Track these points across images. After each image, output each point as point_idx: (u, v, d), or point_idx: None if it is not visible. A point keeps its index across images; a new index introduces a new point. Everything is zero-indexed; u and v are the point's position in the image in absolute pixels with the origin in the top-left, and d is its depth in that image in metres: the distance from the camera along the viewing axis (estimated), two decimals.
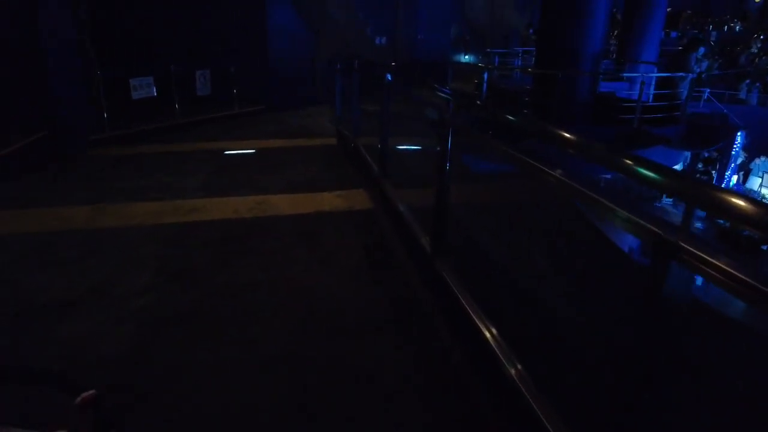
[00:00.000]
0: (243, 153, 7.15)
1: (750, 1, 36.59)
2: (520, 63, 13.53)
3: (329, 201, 4.78)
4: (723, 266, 1.00)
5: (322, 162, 6.58)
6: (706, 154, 11.17)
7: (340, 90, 7.56)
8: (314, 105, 11.49)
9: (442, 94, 2.89)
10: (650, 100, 7.51)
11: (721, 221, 12.97)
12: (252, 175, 5.80)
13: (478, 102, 4.01)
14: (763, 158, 12.00)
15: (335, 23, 11.63)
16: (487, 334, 2.12)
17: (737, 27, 32.39)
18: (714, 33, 28.99)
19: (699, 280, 1.18)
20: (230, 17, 10.23)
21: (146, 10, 10.11)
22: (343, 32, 11.97)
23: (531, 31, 18.47)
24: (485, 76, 8.23)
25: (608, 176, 6.01)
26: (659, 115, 7.26)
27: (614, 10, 17.46)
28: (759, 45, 22.11)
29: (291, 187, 5.26)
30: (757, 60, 19.36)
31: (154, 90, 8.29)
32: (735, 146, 11.13)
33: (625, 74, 9.69)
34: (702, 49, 8.10)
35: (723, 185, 11.23)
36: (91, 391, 1.01)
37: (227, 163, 6.59)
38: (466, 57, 19.05)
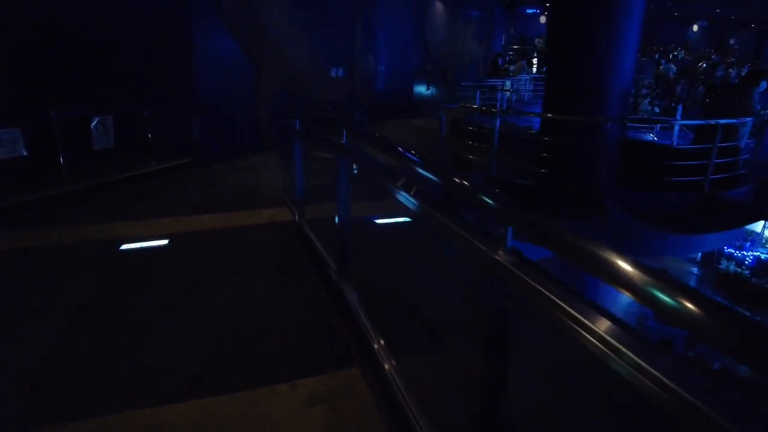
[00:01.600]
0: (147, 248, 4.73)
1: (689, 31, 37.97)
2: (505, 99, 11.83)
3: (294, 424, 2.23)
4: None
5: (273, 267, 4.27)
6: None
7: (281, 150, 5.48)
8: (257, 153, 9.18)
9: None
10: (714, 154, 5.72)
11: (722, 266, 11.74)
12: (151, 315, 3.38)
13: None
14: None
15: (282, 53, 9.50)
16: None
17: (680, 55, 32.89)
18: (663, 61, 29.31)
19: None
20: (144, 46, 7.85)
21: (19, 40, 7.57)
22: (292, 63, 9.84)
23: (500, 61, 17.07)
24: (497, 124, 6.29)
25: None
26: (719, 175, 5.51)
27: None
28: None
29: (214, 363, 2.76)
30: None
31: (22, 147, 5.76)
32: None
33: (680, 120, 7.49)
34: (764, 84, 6.56)
35: None
36: None
37: (112, 280, 4.08)
38: (428, 90, 17.37)
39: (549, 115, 6.24)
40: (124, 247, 4.72)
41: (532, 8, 26.06)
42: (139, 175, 7.15)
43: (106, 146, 6.91)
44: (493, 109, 8.85)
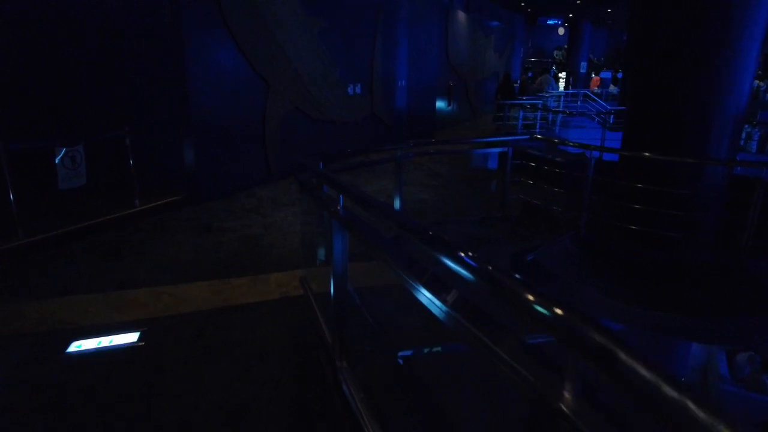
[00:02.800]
0: (103, 352, 3.27)
1: None
2: (550, 120, 10.37)
3: None
4: None
5: (291, 408, 2.78)
6: None
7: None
8: (264, 185, 7.75)
9: None
10: None
11: None
12: None
13: None
14: None
15: (293, 67, 8.12)
16: None
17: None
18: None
19: None
20: (125, 62, 6.47)
21: None
22: (305, 79, 8.47)
23: (530, 74, 15.67)
24: (591, 162, 4.75)
25: None
26: None
27: None
28: None
29: None
30: None
31: None
32: None
33: None
34: None
35: None
36: None
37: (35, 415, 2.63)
38: (449, 106, 15.98)
39: (647, 154, 4.71)
40: (72, 348, 3.26)
41: (553, 19, 24.77)
42: (115, 219, 5.71)
43: (76, 184, 5.48)
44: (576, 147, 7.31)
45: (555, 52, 31.61)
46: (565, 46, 30.71)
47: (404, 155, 5.13)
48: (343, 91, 9.79)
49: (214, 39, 6.65)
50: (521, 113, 9.55)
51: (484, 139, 5.38)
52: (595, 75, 25.18)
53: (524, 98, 13.25)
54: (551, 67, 26.88)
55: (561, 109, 11.71)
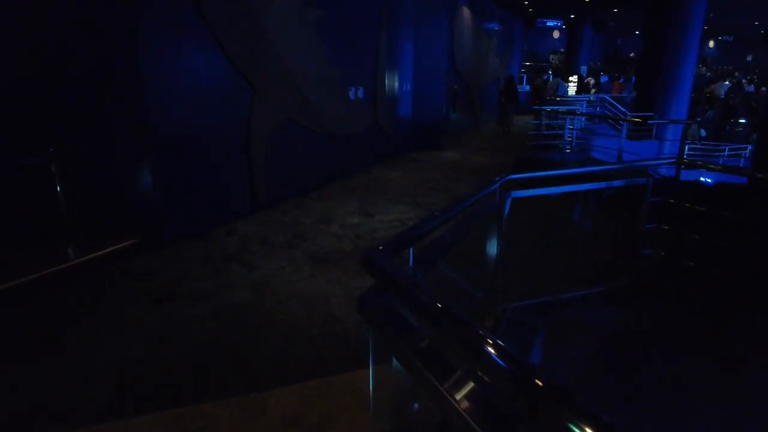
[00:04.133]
0: None
1: (705, 48, 35.92)
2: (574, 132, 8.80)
3: None
4: None
5: None
6: None
7: None
8: (250, 219, 6.01)
9: None
10: None
11: None
12: None
13: None
14: None
15: (286, 67, 6.44)
16: None
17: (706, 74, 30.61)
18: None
19: None
20: (56, 64, 4.69)
21: None
22: (301, 82, 6.79)
23: (545, 77, 14.20)
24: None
25: None
26: None
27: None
28: None
29: None
30: None
31: None
32: None
33: None
34: None
35: None
36: None
37: None
38: (454, 113, 14.43)
39: None
40: None
41: (553, 21, 23.52)
42: (35, 283, 3.94)
43: None
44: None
45: (551, 56, 30.45)
46: (562, 50, 29.57)
47: (506, 193, 3.16)
48: (344, 97, 8.13)
49: (182, 29, 4.93)
50: (567, 122, 7.97)
51: (610, 166, 3.54)
52: (613, 80, 23.95)
53: (557, 99, 11.73)
54: (548, 71, 25.61)
55: (585, 112, 10.16)
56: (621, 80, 21.12)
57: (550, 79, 15.83)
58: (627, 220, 3.90)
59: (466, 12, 14.34)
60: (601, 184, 3.35)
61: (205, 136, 5.38)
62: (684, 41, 14.08)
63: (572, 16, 22.00)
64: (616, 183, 3.43)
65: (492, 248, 2.99)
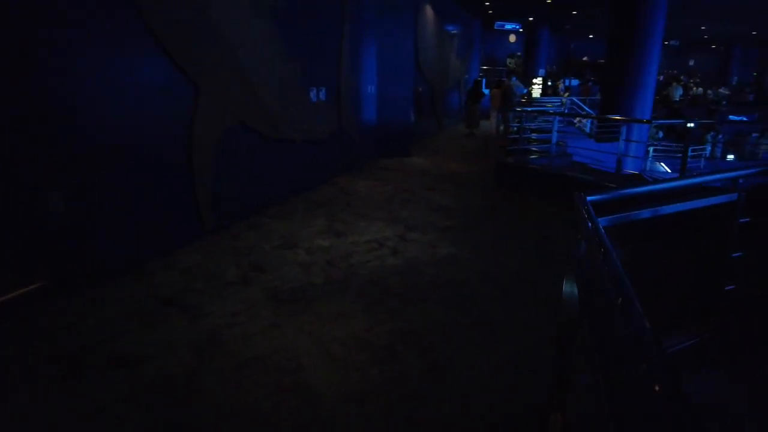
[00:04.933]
0: None
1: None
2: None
3: None
4: None
5: None
6: None
7: None
8: (194, 247, 4.91)
9: None
10: None
11: None
12: None
13: None
14: None
15: (237, 62, 5.40)
16: None
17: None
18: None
19: None
20: None
21: None
22: (254, 80, 5.77)
23: (514, 79, 13.63)
24: None
25: None
26: None
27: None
28: None
29: None
30: None
31: None
32: None
33: None
34: None
35: None
36: None
37: None
38: (417, 118, 13.64)
39: None
40: None
41: (511, 23, 23.28)
42: None
43: None
44: None
45: (508, 60, 30.39)
46: (519, 53, 29.56)
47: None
48: (304, 98, 7.14)
49: (100, 10, 3.83)
50: (556, 124, 7.23)
51: (701, 178, 2.61)
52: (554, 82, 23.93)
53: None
54: (507, 75, 25.40)
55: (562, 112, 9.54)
56: (589, 83, 21.13)
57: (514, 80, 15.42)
58: (702, 246, 3.08)
59: (429, 11, 13.64)
60: (691, 204, 2.49)
61: (134, 147, 4.27)
62: (647, 46, 13.98)
63: (531, 19, 21.81)
64: (705, 201, 2.59)
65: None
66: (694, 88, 27.65)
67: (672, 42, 32.22)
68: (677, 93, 19.48)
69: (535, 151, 7.77)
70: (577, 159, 8.32)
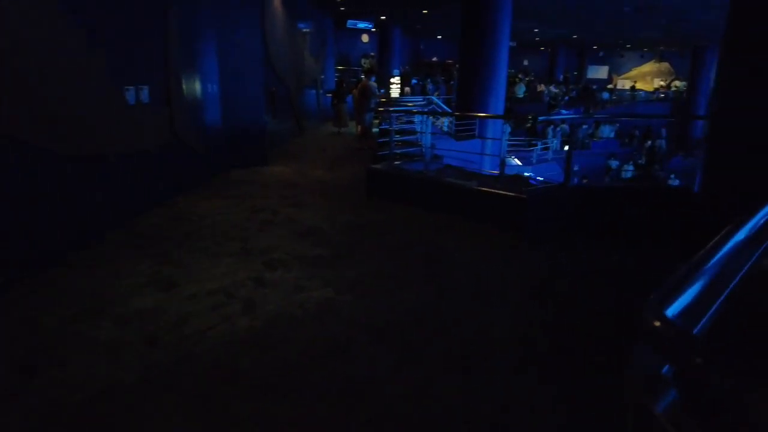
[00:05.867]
0: None
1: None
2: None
3: None
4: None
5: None
6: None
7: None
8: None
9: None
10: None
11: None
12: None
13: None
14: None
15: (15, 56, 3.62)
16: None
17: None
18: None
19: None
20: None
21: None
22: (31, 72, 4.01)
23: (373, 79, 12.81)
24: None
25: None
26: None
27: None
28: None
29: None
30: None
31: None
32: None
33: None
34: None
35: None
36: None
37: None
38: (274, 120, 12.24)
39: None
40: None
41: (364, 22, 22.81)
42: None
43: None
44: None
45: (362, 60, 30.12)
46: (372, 54, 29.46)
47: None
48: (117, 100, 5.42)
49: None
50: (429, 125, 6.45)
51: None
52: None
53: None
54: (364, 74, 25.06)
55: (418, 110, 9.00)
56: (452, 83, 21.51)
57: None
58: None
59: (278, 5, 12.31)
60: None
61: None
62: (498, 46, 14.38)
63: (383, 17, 21.54)
64: None
65: None
66: (540, 86, 30.05)
67: (511, 43, 34.87)
68: (520, 90, 20.78)
69: (406, 155, 6.98)
70: (448, 161, 7.76)
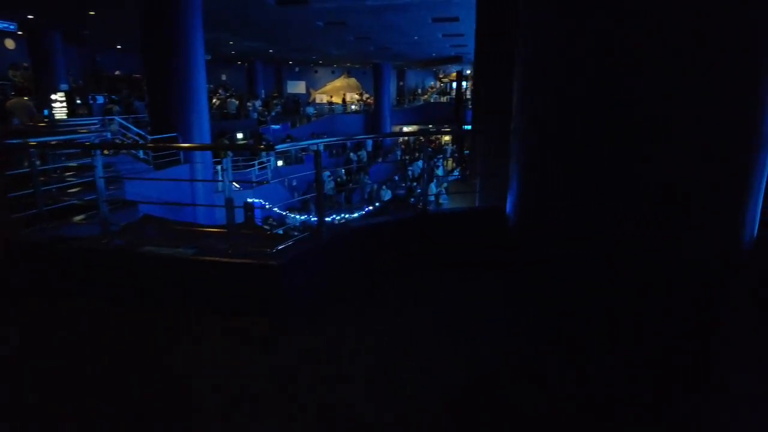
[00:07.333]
0: None
1: None
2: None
3: None
4: None
5: None
6: None
7: None
8: None
9: None
10: None
11: None
12: None
13: None
14: None
15: None
16: None
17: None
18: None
19: None
20: None
21: None
22: None
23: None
24: None
25: None
26: None
27: None
28: None
29: None
30: None
31: None
32: None
33: None
34: None
35: None
36: None
37: None
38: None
39: None
40: None
41: (3, 22, 17.21)
42: None
43: None
44: None
45: (10, 72, 23.26)
46: (25, 64, 23.08)
47: None
48: None
49: None
50: (99, 160, 4.08)
51: None
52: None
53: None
54: (17, 91, 19.20)
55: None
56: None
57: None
58: None
59: None
60: None
61: None
62: (193, 57, 12.45)
63: (30, 17, 16.61)
64: None
65: None
66: (251, 102, 28.73)
67: (206, 56, 32.63)
68: (233, 106, 19.52)
69: (70, 211, 4.56)
70: (146, 210, 5.57)
